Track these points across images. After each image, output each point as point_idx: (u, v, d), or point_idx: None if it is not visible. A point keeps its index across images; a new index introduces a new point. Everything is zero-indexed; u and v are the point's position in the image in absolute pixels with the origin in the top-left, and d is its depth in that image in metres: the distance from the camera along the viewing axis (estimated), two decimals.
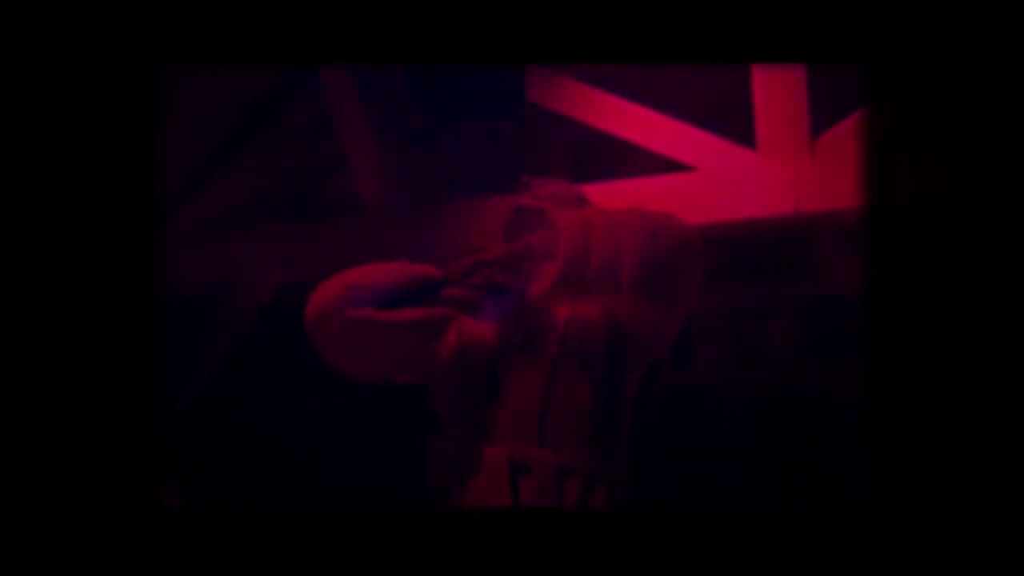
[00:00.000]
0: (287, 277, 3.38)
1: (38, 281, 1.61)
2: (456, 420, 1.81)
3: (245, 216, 3.54)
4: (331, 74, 3.20)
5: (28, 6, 1.60)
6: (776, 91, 2.94)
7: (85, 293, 1.62)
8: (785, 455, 3.46)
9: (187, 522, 1.64)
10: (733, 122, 3.08)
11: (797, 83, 2.90)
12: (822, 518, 1.60)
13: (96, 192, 1.64)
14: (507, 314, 1.86)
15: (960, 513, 1.45)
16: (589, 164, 3.31)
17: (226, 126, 3.44)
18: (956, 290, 1.49)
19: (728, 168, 3.06)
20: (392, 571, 1.56)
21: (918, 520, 1.46)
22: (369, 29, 1.66)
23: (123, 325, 1.62)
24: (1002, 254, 1.48)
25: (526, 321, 1.83)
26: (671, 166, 3.14)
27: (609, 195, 3.16)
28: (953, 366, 1.48)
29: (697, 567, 1.53)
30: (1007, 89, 1.49)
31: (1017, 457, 1.44)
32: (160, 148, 1.67)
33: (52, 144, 1.64)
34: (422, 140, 3.60)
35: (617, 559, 1.52)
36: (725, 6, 1.59)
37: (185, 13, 1.65)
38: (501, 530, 1.55)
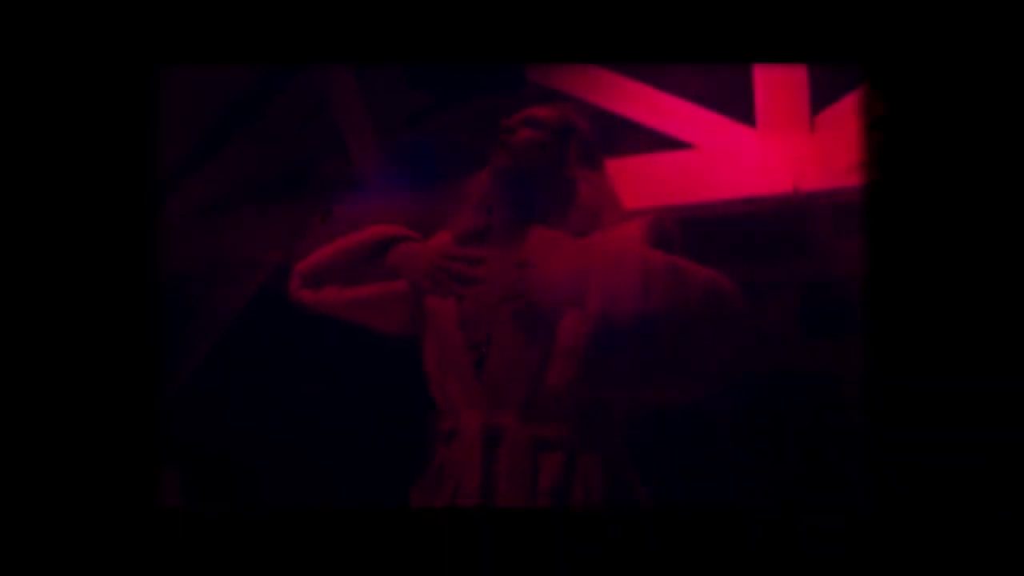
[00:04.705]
0: (285, 258, 3.38)
1: (33, 275, 1.61)
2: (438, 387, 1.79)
3: (242, 199, 3.54)
4: None
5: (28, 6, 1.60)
6: (776, 69, 2.93)
7: (83, 286, 1.62)
8: (785, 437, 3.48)
9: (187, 522, 1.64)
10: (733, 100, 3.08)
11: None
12: (822, 510, 1.60)
13: (93, 185, 1.64)
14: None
15: (963, 502, 1.46)
16: None
17: (222, 109, 3.44)
18: (957, 272, 1.49)
19: (728, 146, 3.06)
20: (391, 571, 1.57)
21: (920, 513, 1.47)
22: (367, 29, 1.65)
23: (122, 317, 1.62)
24: (1003, 236, 1.48)
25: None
26: (671, 144, 3.14)
27: (608, 173, 3.17)
28: (955, 350, 1.48)
29: (695, 565, 1.54)
30: (1007, 83, 1.49)
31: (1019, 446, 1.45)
32: (157, 139, 1.67)
33: (51, 139, 1.64)
34: (420, 120, 3.60)
35: (616, 558, 1.53)
36: (724, 6, 1.58)
37: (180, 15, 1.64)
38: (501, 529, 1.56)
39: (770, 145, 2.98)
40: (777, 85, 2.97)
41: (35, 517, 1.55)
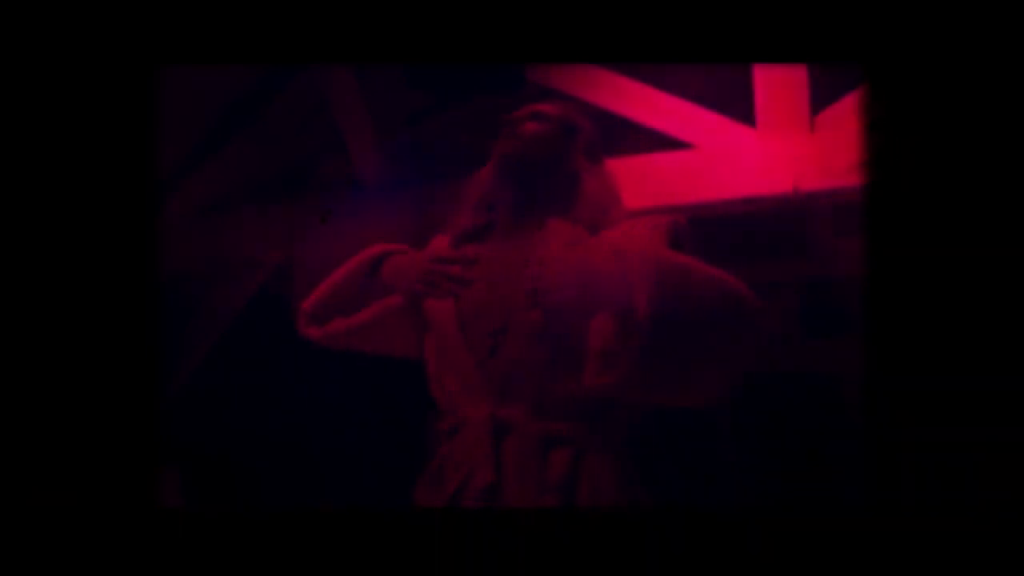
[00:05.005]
0: (285, 258, 3.39)
1: (33, 275, 1.61)
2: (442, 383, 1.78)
3: (242, 199, 3.54)
4: None
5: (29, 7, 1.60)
6: (776, 69, 2.93)
7: (83, 286, 1.62)
8: (783, 438, 3.48)
9: (187, 522, 1.64)
10: (733, 100, 3.08)
11: None
12: (822, 510, 1.60)
13: (93, 185, 1.64)
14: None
15: (963, 502, 1.46)
16: None
17: (222, 109, 3.44)
18: (957, 272, 1.49)
19: (728, 146, 3.06)
20: (392, 571, 1.56)
21: (921, 513, 1.47)
22: (367, 29, 1.65)
23: (122, 318, 1.62)
24: (1003, 236, 1.48)
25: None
26: (671, 144, 3.14)
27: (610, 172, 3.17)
28: (955, 350, 1.48)
29: (695, 566, 1.53)
30: (1007, 83, 1.49)
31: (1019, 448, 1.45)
32: (157, 139, 1.67)
33: (51, 139, 1.64)
34: (420, 120, 3.60)
35: (615, 558, 1.53)
36: (724, 6, 1.58)
37: (180, 15, 1.64)
38: (501, 529, 1.56)
39: (770, 145, 2.98)
40: (777, 85, 2.97)
41: (35, 517, 1.55)
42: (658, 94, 3.18)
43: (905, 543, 1.45)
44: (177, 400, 3.36)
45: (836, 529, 1.52)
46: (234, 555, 1.60)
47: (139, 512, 1.57)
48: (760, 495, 3.40)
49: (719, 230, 2.79)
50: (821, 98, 2.94)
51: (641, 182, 3.03)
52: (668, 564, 1.52)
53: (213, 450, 3.60)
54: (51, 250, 1.60)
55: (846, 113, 2.88)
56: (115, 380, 1.60)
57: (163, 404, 3.01)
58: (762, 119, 3.00)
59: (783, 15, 1.56)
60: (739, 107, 3.04)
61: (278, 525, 1.62)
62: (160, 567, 1.56)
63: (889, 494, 1.46)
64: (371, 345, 1.94)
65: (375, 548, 1.58)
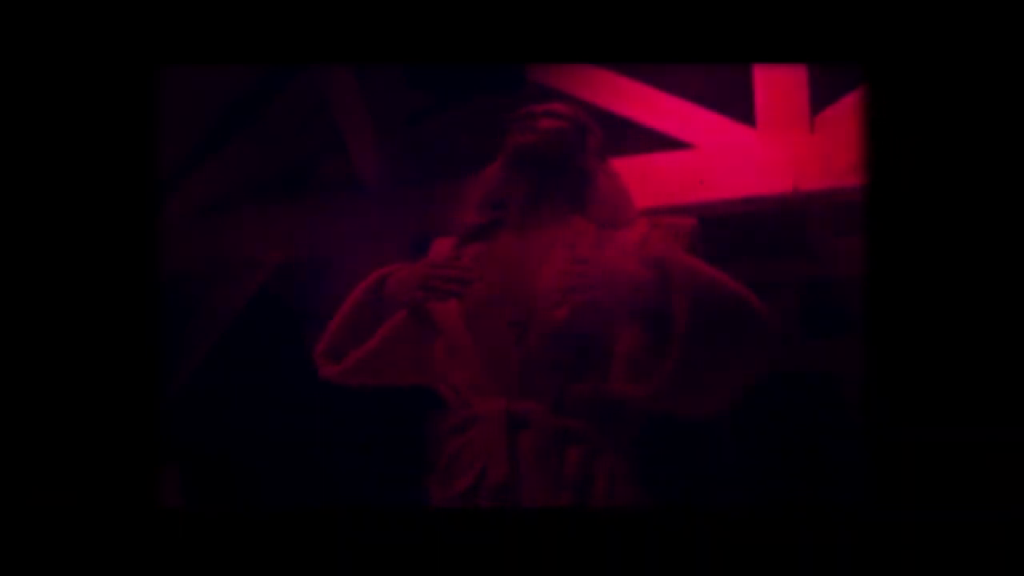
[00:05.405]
0: (285, 257, 3.39)
1: (33, 275, 1.61)
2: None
3: (242, 199, 3.54)
4: None
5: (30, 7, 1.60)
6: (776, 69, 2.93)
7: (83, 286, 1.62)
8: (784, 438, 3.48)
9: (187, 522, 1.64)
10: (733, 100, 3.08)
11: None
12: (822, 509, 1.60)
13: (93, 185, 1.64)
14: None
15: (963, 506, 1.46)
16: None
17: (222, 109, 3.44)
18: (957, 272, 1.49)
19: (728, 146, 3.05)
20: (392, 571, 1.56)
21: (921, 513, 1.47)
22: (367, 29, 1.65)
23: (122, 317, 1.62)
24: (1003, 236, 1.48)
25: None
26: (671, 144, 3.14)
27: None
28: (955, 350, 1.48)
29: (694, 566, 1.53)
30: (1007, 83, 1.49)
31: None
32: (157, 139, 1.67)
33: (51, 139, 1.64)
34: (420, 120, 3.60)
35: (616, 557, 1.53)
36: (724, 6, 1.58)
37: (180, 15, 1.64)
38: (502, 530, 1.56)
39: (770, 145, 2.97)
40: (777, 85, 2.96)
41: (35, 517, 1.55)
42: (658, 94, 3.18)
43: (905, 543, 1.45)
44: (177, 400, 3.36)
45: (836, 529, 1.52)
46: (234, 555, 1.60)
47: (139, 512, 1.57)
48: (760, 495, 3.40)
49: (719, 230, 2.79)
50: (821, 98, 2.93)
51: (641, 182, 3.02)
52: (668, 564, 1.52)
53: (213, 450, 3.60)
54: (51, 250, 1.60)
55: (846, 113, 2.87)
56: (115, 380, 1.60)
57: (163, 404, 3.01)
58: (762, 119, 3.00)
59: (783, 15, 1.56)
60: (739, 107, 3.03)
61: (278, 525, 1.62)
62: (160, 567, 1.56)
63: (889, 494, 1.46)
64: (386, 371, 1.91)
65: (375, 548, 1.58)
